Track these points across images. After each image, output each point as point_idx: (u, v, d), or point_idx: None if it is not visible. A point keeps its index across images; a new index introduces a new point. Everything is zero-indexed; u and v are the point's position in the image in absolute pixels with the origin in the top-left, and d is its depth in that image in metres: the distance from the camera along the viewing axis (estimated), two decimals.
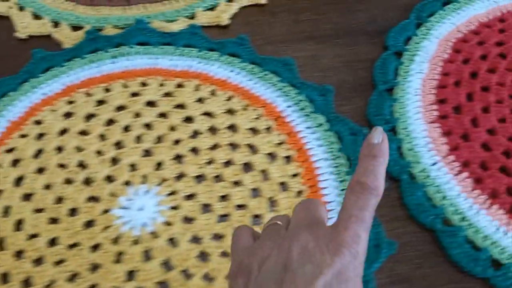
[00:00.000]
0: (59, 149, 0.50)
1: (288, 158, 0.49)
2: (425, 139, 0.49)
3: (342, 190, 0.46)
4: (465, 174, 0.47)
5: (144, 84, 0.55)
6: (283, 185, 0.47)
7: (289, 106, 0.52)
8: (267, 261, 0.27)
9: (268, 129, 0.51)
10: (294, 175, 0.47)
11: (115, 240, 0.44)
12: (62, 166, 0.48)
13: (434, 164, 0.47)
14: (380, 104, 0.52)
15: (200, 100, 0.53)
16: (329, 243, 0.26)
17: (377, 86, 0.54)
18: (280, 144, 0.50)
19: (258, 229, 0.33)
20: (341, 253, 0.26)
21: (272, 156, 0.49)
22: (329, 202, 0.45)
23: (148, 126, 0.51)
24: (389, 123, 0.50)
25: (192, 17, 0.61)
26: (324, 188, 0.46)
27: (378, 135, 0.29)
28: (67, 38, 0.59)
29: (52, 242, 0.44)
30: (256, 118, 0.52)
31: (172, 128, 0.51)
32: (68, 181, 0.47)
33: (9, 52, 0.59)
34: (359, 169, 0.29)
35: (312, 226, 0.28)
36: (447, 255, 0.42)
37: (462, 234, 0.43)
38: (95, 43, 0.58)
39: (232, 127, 0.51)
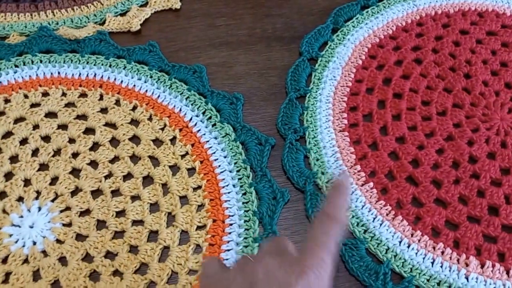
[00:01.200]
0: None
1: (191, 170, 0.50)
2: (333, 148, 0.51)
3: (243, 203, 0.47)
4: (371, 184, 0.49)
5: (45, 94, 0.55)
6: (184, 199, 0.48)
7: (196, 116, 0.54)
8: (232, 284, 0.30)
9: (173, 140, 0.52)
10: (196, 188, 0.49)
11: (5, 260, 0.44)
12: None
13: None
14: (290, 113, 0.54)
15: (103, 110, 0.54)
16: (294, 266, 0.30)
17: (288, 93, 0.56)
18: (184, 155, 0.51)
19: None
20: (305, 275, 0.30)
21: (175, 168, 0.50)
22: (230, 216, 0.47)
23: (46, 138, 0.52)
24: (298, 132, 0.52)
25: (102, 23, 0.62)
26: (226, 201, 0.48)
27: (343, 176, 0.40)
28: None
29: None
30: (161, 129, 0.53)
31: (71, 140, 0.52)
32: None
33: None
34: (326, 203, 0.34)
35: (278, 253, 0.32)
36: (348, 268, 0.44)
37: (364, 247, 0.45)
38: None
39: (135, 138, 0.52)
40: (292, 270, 0.30)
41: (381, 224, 0.46)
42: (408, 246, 0.45)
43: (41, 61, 0.58)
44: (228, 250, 0.45)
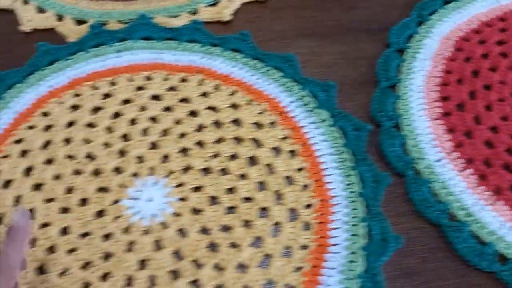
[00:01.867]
0: (67, 140, 0.53)
1: (292, 153, 0.53)
2: (429, 135, 0.54)
3: (348, 184, 0.50)
4: (470, 170, 0.51)
5: (148, 78, 0.58)
6: (289, 179, 0.51)
7: (292, 102, 0.56)
8: None
9: (272, 123, 0.55)
10: (299, 169, 0.51)
11: (126, 230, 0.47)
12: (70, 157, 0.52)
13: (438, 160, 0.52)
14: (383, 101, 0.56)
15: (204, 95, 0.57)
16: None
17: (379, 83, 0.58)
18: (284, 138, 0.54)
19: None
20: None
21: (276, 150, 0.53)
22: (335, 197, 0.49)
23: (153, 119, 0.55)
24: (392, 119, 0.55)
25: (194, 12, 0.65)
26: (330, 182, 0.50)
27: (16, 216, 0.38)
28: (71, 32, 0.62)
29: (64, 231, 0.47)
30: (260, 113, 0.56)
31: (177, 122, 0.55)
32: (77, 172, 0.51)
33: (14, 45, 0.62)
34: None
35: None
36: (452, 249, 0.47)
37: (467, 229, 0.47)
38: (99, 37, 0.61)
39: (236, 121, 0.55)
40: None
41: (482, 208, 0.48)
42: (510, 230, 0.47)
43: (140, 47, 0.61)
44: (337, 228, 0.47)
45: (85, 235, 0.47)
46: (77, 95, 0.57)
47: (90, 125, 0.54)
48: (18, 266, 0.36)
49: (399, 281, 0.45)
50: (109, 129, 0.54)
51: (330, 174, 0.51)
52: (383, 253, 0.45)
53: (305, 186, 0.50)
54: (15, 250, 0.36)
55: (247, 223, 0.48)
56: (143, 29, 0.62)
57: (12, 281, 0.35)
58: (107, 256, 0.46)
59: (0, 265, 0.35)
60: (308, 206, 0.49)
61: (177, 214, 0.48)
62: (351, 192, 0.50)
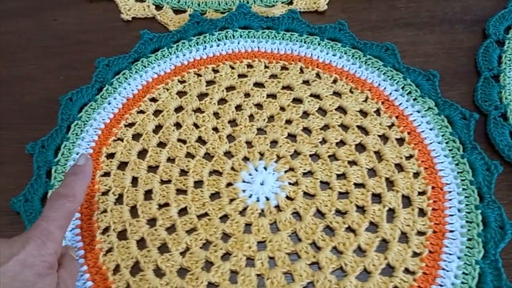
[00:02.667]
0: (177, 125, 0.54)
1: (400, 140, 0.53)
2: None
3: (459, 172, 0.50)
4: None
5: (249, 66, 0.59)
6: (399, 166, 0.51)
7: (395, 90, 0.57)
8: None
9: (377, 111, 0.55)
10: (409, 157, 0.52)
11: (243, 212, 0.48)
12: (182, 141, 0.53)
13: None
14: (487, 91, 0.56)
15: (306, 82, 0.58)
16: (18, 239, 0.35)
17: (482, 73, 0.58)
18: (390, 126, 0.54)
19: None
20: (27, 244, 0.34)
21: (384, 138, 0.53)
22: (447, 184, 0.49)
23: (258, 106, 0.56)
24: (499, 109, 0.54)
25: (289, 2, 0.66)
26: (440, 170, 0.50)
27: (82, 159, 0.43)
28: (171, 20, 0.64)
29: (182, 211, 0.48)
30: (364, 101, 0.56)
31: (282, 109, 0.56)
32: (190, 156, 0.52)
33: (115, 33, 0.64)
34: (61, 184, 0.41)
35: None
36: None
37: None
38: (200, 26, 0.62)
39: (340, 109, 0.56)
40: (15, 243, 0.34)
41: None
42: None
43: (241, 36, 0.62)
44: (452, 215, 0.47)
45: (202, 216, 0.48)
46: (182, 82, 0.58)
47: (198, 110, 0.56)
48: (79, 196, 0.40)
49: None
50: (217, 115, 0.55)
51: (440, 162, 0.51)
52: (501, 239, 0.45)
53: (416, 174, 0.50)
54: (77, 183, 0.41)
55: (361, 208, 0.48)
56: (242, 18, 0.63)
57: (72, 206, 0.39)
58: (226, 236, 0.47)
59: (62, 189, 0.40)
60: (421, 193, 0.49)
61: (290, 198, 0.49)
62: (462, 180, 0.49)
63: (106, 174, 0.51)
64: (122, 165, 0.52)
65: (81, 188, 0.41)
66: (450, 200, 0.48)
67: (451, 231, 0.46)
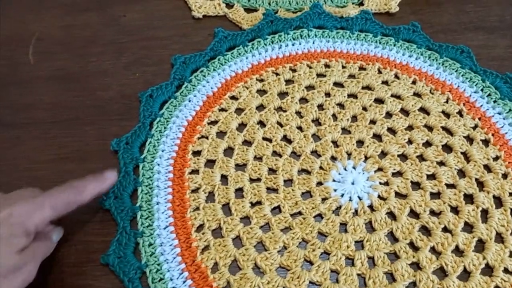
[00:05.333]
0: (261, 123, 0.55)
1: (485, 142, 0.53)
2: None
3: None
4: None
5: (327, 66, 0.60)
6: (487, 168, 0.51)
7: (475, 92, 0.57)
8: None
9: (459, 113, 0.56)
10: (496, 158, 0.52)
11: (337, 211, 0.48)
12: (267, 140, 0.53)
13: None
14: None
15: (385, 83, 0.58)
16: (14, 195, 0.40)
17: None
18: (474, 128, 0.54)
19: None
20: (17, 204, 0.38)
21: (469, 139, 0.54)
22: None
23: (340, 105, 0.56)
24: None
25: (360, 3, 0.66)
26: None
27: (109, 172, 0.46)
28: (244, 19, 0.64)
29: (275, 210, 0.49)
30: (445, 102, 0.56)
31: (364, 109, 0.56)
32: (277, 154, 0.52)
33: (185, 30, 0.64)
34: (79, 180, 0.43)
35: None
36: None
37: None
38: (274, 25, 0.63)
39: (422, 110, 0.56)
40: (10, 196, 0.40)
41: None
42: None
43: (316, 36, 0.62)
44: None
45: (296, 214, 0.48)
46: (261, 80, 0.58)
47: (280, 109, 0.56)
48: (88, 195, 0.43)
49: None
50: (299, 114, 0.56)
51: None
52: None
53: (505, 175, 0.51)
54: (92, 184, 0.44)
55: (454, 209, 0.49)
56: (317, 18, 0.63)
57: (76, 198, 0.42)
58: (323, 235, 0.47)
59: (78, 182, 0.43)
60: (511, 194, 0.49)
61: (382, 198, 0.49)
62: None
63: (195, 171, 0.51)
64: (209, 163, 0.52)
65: (93, 189, 0.44)
66: None
67: None
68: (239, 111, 0.56)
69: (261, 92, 0.57)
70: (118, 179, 0.48)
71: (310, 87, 0.58)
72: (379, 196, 0.50)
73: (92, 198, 0.43)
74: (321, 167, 0.51)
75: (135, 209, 0.48)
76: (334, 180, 0.51)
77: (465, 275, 0.45)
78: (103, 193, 0.46)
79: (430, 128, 0.54)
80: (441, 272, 0.45)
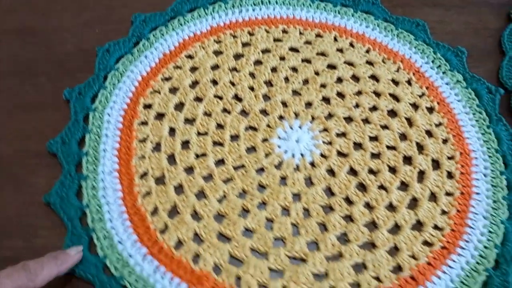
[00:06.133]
0: (214, 82, 0.56)
1: (430, 109, 0.55)
2: None
3: (485, 141, 0.53)
4: None
5: (284, 32, 0.62)
6: (429, 133, 0.54)
7: (425, 63, 0.59)
8: None
9: (408, 81, 0.58)
10: (438, 125, 0.54)
11: (278, 166, 0.50)
12: (218, 97, 0.55)
13: None
14: None
15: (340, 50, 0.60)
16: None
17: (507, 52, 0.61)
18: (421, 96, 0.56)
19: None
20: None
21: (415, 106, 0.56)
22: (474, 151, 0.52)
23: (294, 69, 0.58)
24: None
25: None
26: (468, 138, 0.53)
27: (73, 250, 0.43)
28: None
29: (219, 162, 0.50)
30: (396, 71, 0.58)
31: (317, 73, 0.58)
32: (226, 111, 0.54)
33: None
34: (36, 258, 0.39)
35: None
36: None
37: None
38: None
39: (373, 77, 0.58)
40: None
41: None
42: None
43: (276, 3, 0.64)
44: (478, 179, 0.50)
45: (239, 167, 0.50)
46: (218, 42, 0.60)
47: (234, 69, 0.58)
48: (41, 281, 0.38)
49: None
50: (252, 75, 0.57)
51: (467, 131, 0.54)
52: None
53: (445, 140, 0.53)
54: (48, 267, 0.39)
55: (392, 169, 0.51)
56: None
57: (27, 285, 0.37)
58: (262, 187, 0.49)
59: (33, 264, 0.38)
60: (450, 158, 0.52)
61: (324, 156, 0.51)
62: (488, 148, 0.52)
63: (144, 123, 0.53)
64: (159, 116, 0.54)
65: (48, 274, 0.39)
66: (477, 165, 0.51)
67: (477, 193, 0.49)
68: (193, 69, 0.57)
69: (217, 53, 0.59)
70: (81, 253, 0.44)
71: (266, 51, 0.60)
72: (321, 154, 0.51)
73: (47, 282, 0.39)
74: (268, 125, 0.53)
75: (81, 154, 0.50)
76: (279, 138, 0.52)
77: (396, 229, 0.47)
78: (62, 273, 0.41)
79: (378, 95, 0.56)
80: (373, 226, 0.47)
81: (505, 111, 0.56)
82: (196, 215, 0.47)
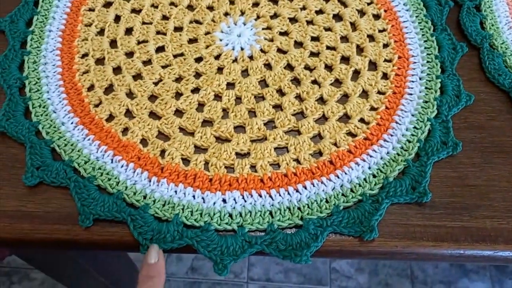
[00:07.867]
0: None
1: (376, 16, 0.57)
2: (507, 18, 0.57)
3: (426, 48, 0.54)
4: None
5: None
6: (371, 37, 0.55)
7: None
8: None
9: None
10: (382, 30, 0.56)
11: (217, 57, 0.53)
12: None
13: None
14: None
15: None
16: None
17: None
18: (369, 3, 0.58)
19: None
20: None
21: (361, 12, 0.57)
22: (413, 56, 0.54)
23: None
24: (474, 0, 0.58)
25: None
26: (409, 44, 0.55)
27: (154, 255, 0.37)
28: None
29: (160, 49, 0.53)
30: None
31: None
32: (173, 4, 0.56)
33: None
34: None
35: None
36: None
37: None
38: None
39: None
40: None
41: None
42: None
43: None
44: (413, 81, 0.52)
45: (178, 55, 0.52)
46: None
47: None
48: None
49: (466, 132, 0.50)
50: None
51: (410, 37, 0.55)
52: (454, 105, 0.50)
53: (386, 45, 0.55)
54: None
55: (329, 67, 0.53)
56: None
57: None
58: (198, 75, 0.51)
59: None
60: (388, 60, 0.54)
61: (264, 51, 0.53)
62: (428, 54, 0.54)
63: (91, 10, 0.55)
64: (107, 5, 0.56)
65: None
66: (414, 69, 0.53)
67: (410, 94, 0.51)
68: None
69: None
70: None
71: None
72: (260, 50, 0.53)
73: None
74: (212, 20, 0.55)
75: (28, 33, 0.52)
76: (222, 32, 0.54)
77: (323, 120, 0.49)
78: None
79: (327, 0, 0.58)
80: (301, 116, 0.50)
81: (454, 25, 0.57)
82: (131, 94, 0.50)
